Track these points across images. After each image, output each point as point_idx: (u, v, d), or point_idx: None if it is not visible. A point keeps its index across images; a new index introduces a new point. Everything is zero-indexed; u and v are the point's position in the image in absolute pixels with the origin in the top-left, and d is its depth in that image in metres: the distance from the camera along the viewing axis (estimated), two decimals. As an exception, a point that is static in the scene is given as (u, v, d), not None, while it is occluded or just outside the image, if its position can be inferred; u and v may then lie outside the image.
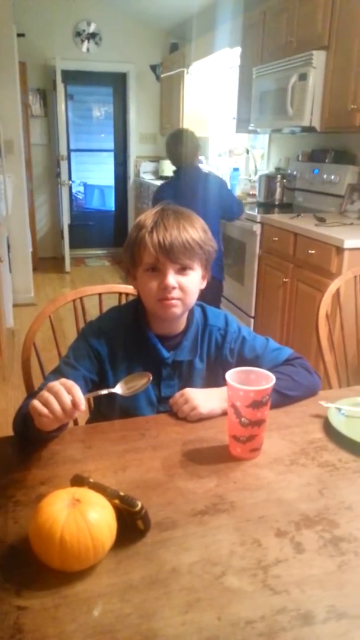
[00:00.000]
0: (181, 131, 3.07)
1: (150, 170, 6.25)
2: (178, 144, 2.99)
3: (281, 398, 1.16)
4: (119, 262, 6.34)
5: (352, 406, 1.16)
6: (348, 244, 2.45)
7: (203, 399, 1.14)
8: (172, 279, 1.13)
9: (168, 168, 6.06)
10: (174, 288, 1.13)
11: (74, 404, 0.89)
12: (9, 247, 4.12)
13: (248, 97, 3.89)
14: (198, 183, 3.00)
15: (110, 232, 6.82)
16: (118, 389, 1.04)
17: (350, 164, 3.38)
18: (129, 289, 1.54)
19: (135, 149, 6.42)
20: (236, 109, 4.28)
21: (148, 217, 1.17)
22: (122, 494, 0.79)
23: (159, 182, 5.66)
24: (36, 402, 0.90)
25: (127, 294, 1.54)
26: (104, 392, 1.03)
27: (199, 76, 5.32)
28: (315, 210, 3.47)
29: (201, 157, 5.72)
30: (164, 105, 6.07)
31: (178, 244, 1.12)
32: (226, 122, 5.06)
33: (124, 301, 1.55)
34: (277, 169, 4.10)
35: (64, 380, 0.92)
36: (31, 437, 1.00)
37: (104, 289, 1.53)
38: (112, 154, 6.67)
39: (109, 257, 6.59)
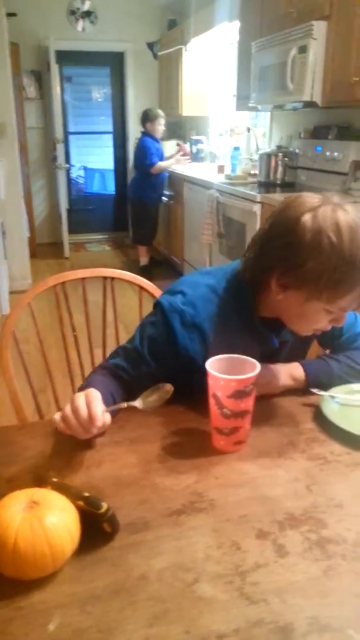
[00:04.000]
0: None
1: (150, 152, 6.11)
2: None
3: (341, 381, 1.11)
4: (120, 246, 6.26)
5: (347, 394, 1.09)
6: (349, 222, 2.34)
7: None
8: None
9: (169, 148, 5.95)
10: None
11: (91, 420, 0.85)
12: (3, 233, 4.04)
13: (248, 73, 3.75)
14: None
15: (110, 216, 6.71)
16: (138, 403, 0.97)
17: (353, 140, 3.26)
18: (116, 272, 1.47)
19: (134, 130, 6.26)
20: (236, 86, 4.14)
21: None
22: (86, 494, 0.72)
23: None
24: (57, 417, 0.88)
25: (112, 278, 1.47)
26: (124, 405, 0.96)
27: (197, 53, 5.16)
28: (319, 189, 3.36)
29: (201, 137, 5.62)
30: (163, 84, 5.92)
31: None
32: (227, 100, 4.91)
33: (108, 288, 1.47)
34: (279, 147, 3.98)
35: (88, 391, 0.89)
36: None
37: (87, 273, 1.45)
38: (110, 136, 6.53)
39: (110, 242, 6.49)
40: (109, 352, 1.16)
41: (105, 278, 1.47)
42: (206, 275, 1.12)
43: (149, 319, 1.09)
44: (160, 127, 4.80)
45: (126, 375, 1.05)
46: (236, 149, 4.42)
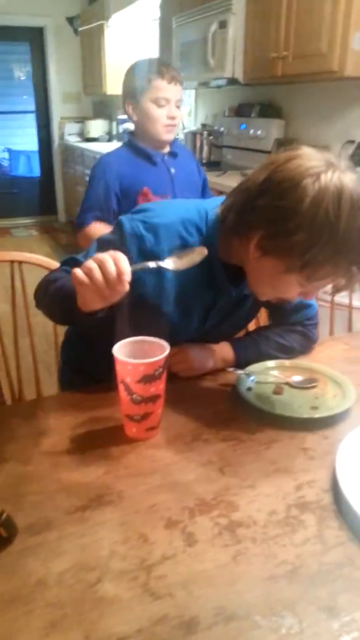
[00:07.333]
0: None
1: (75, 132, 5.93)
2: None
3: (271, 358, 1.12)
4: (48, 231, 6.05)
5: (263, 371, 1.07)
6: (271, 199, 2.35)
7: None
8: None
9: (95, 129, 5.78)
10: None
11: (119, 274, 0.78)
12: None
13: (170, 50, 3.67)
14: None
15: (36, 200, 6.47)
16: (168, 264, 0.88)
17: (276, 118, 3.27)
18: (24, 255, 1.38)
19: (58, 109, 6.06)
20: (158, 62, 4.05)
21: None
22: (-24, 498, 0.66)
23: (87, 145, 5.40)
24: (77, 271, 0.79)
25: (20, 262, 1.38)
26: (152, 264, 0.87)
27: (120, 29, 5.01)
28: (244, 167, 3.35)
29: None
30: (86, 61, 5.72)
31: None
32: (151, 78, 4.80)
33: (17, 272, 1.38)
34: (204, 126, 3.94)
35: (111, 251, 0.81)
36: (68, 313, 0.90)
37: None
38: (33, 116, 6.26)
39: (37, 227, 6.26)
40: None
41: (12, 262, 1.38)
42: (180, 203, 1.06)
43: (106, 236, 1.03)
44: (162, 109, 1.72)
45: None
46: (162, 128, 4.33)
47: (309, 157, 0.84)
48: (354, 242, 0.82)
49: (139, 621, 0.58)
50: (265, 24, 2.72)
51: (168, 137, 1.78)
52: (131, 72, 1.79)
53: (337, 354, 1.21)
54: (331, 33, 2.29)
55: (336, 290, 0.91)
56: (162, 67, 1.73)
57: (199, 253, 0.90)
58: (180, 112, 1.79)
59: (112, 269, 0.78)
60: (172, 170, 1.83)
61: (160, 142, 1.79)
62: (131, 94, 1.74)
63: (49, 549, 0.68)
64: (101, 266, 0.79)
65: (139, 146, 1.80)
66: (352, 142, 2.70)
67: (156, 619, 0.58)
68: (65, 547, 0.68)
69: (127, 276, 0.79)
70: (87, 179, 1.88)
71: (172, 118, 1.73)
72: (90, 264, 0.79)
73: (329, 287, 0.92)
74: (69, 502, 0.76)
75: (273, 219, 0.84)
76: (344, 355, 1.21)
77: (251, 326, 1.29)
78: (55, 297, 0.96)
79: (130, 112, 1.76)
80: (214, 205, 1.01)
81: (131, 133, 1.87)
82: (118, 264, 0.79)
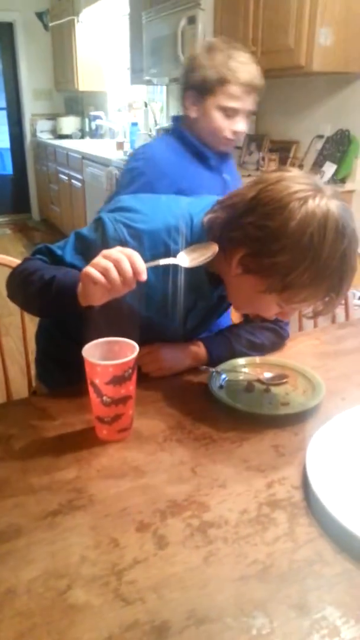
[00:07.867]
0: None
1: (47, 129, 5.86)
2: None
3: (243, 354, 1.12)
4: (22, 229, 5.98)
5: (233, 368, 1.07)
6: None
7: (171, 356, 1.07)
8: None
9: (67, 126, 5.73)
10: None
11: (135, 273, 0.78)
12: None
13: (140, 46, 3.65)
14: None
15: (9, 198, 6.38)
16: (183, 260, 0.87)
17: (247, 114, 3.27)
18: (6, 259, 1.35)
19: (29, 106, 5.98)
20: (129, 58, 4.02)
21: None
22: None
23: (60, 142, 5.34)
24: (92, 270, 0.78)
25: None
26: (163, 262, 0.87)
27: (91, 25, 4.96)
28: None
29: (99, 113, 5.43)
30: (57, 57, 5.65)
31: None
32: (123, 74, 4.77)
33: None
34: (176, 122, 3.92)
35: (120, 248, 0.81)
36: (61, 306, 0.92)
37: None
38: (4, 112, 6.16)
39: (11, 225, 6.18)
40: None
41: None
42: (167, 205, 1.01)
43: (86, 234, 0.99)
44: (228, 121, 1.42)
45: None
46: (134, 124, 4.32)
47: (297, 180, 0.85)
48: (335, 268, 0.83)
49: (109, 628, 0.58)
50: (233, 20, 2.72)
51: (225, 149, 1.50)
52: (201, 58, 1.39)
53: (307, 349, 1.22)
54: (298, 29, 2.31)
55: (314, 314, 0.93)
56: (245, 66, 1.36)
57: (211, 249, 0.90)
58: (247, 124, 1.45)
59: (128, 268, 0.79)
60: (226, 177, 1.54)
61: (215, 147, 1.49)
62: (196, 86, 1.40)
63: (18, 556, 0.66)
64: (117, 266, 0.79)
65: (194, 143, 1.45)
66: (321, 136, 2.72)
67: (127, 625, 0.58)
68: (35, 554, 0.67)
69: (144, 275, 0.80)
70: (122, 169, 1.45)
71: (236, 133, 1.44)
72: (105, 263, 0.79)
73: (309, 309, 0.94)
74: (39, 507, 0.74)
75: (258, 238, 0.85)
76: (314, 350, 1.21)
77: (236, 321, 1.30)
78: (44, 289, 0.93)
79: (188, 105, 1.44)
80: (199, 209, 1.00)
81: (180, 120, 1.50)
82: (134, 263, 0.79)
